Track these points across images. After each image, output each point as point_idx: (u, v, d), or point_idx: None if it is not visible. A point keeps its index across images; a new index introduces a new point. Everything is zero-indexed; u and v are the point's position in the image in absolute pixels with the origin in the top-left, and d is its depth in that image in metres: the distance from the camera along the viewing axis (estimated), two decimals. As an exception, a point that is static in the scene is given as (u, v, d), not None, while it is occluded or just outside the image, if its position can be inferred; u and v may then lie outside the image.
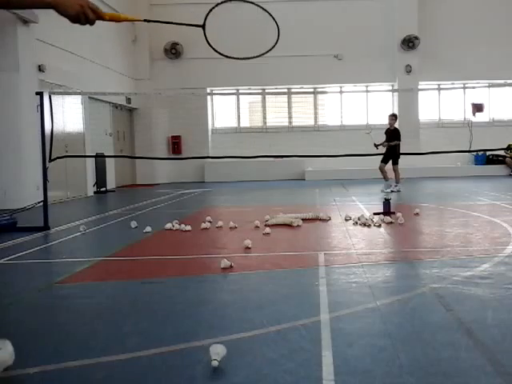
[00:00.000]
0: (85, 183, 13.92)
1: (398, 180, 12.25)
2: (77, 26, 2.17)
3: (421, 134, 18.42)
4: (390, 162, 12.32)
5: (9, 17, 10.47)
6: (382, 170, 12.34)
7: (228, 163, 17.90)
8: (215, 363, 2.45)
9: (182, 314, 3.37)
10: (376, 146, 12.03)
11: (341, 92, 19.02)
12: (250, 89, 19.01)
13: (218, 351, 2.48)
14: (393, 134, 12.28)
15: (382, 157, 12.15)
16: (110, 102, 16.40)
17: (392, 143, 12.19)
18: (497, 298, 3.47)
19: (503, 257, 4.72)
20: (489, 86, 18.49)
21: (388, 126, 12.54)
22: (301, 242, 6.01)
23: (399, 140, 12.20)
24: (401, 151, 12.20)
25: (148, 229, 6.91)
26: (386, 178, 12.32)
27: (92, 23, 2.13)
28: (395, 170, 12.38)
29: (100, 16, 2.18)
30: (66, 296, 3.88)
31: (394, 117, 12.56)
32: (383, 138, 12.44)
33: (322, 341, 2.76)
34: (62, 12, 2.06)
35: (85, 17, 2.09)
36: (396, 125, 12.58)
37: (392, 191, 11.85)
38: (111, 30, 16.54)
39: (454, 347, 2.65)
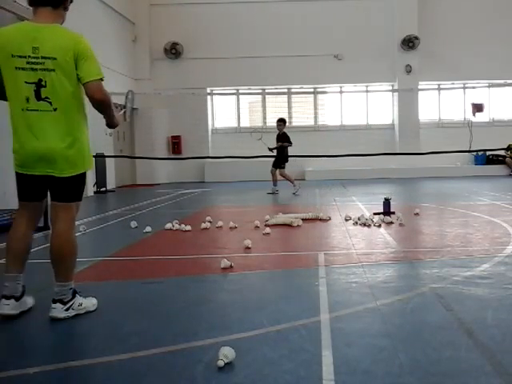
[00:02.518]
0: (85, 183, 13.89)
1: (292, 182, 12.27)
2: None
3: (421, 134, 18.43)
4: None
5: (9, 16, 10.46)
6: (272, 173, 12.45)
7: (228, 163, 17.88)
8: (221, 363, 2.46)
9: (182, 314, 3.37)
10: (270, 149, 12.12)
11: (341, 92, 19.03)
12: (249, 89, 19.01)
13: (225, 353, 2.49)
14: (280, 139, 12.25)
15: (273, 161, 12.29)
16: (109, 102, 16.37)
17: (279, 146, 12.15)
18: (497, 298, 3.47)
19: (503, 257, 4.72)
20: (489, 86, 18.48)
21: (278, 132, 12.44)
22: (301, 242, 6.01)
23: (289, 143, 12.17)
24: (289, 154, 12.19)
25: (148, 229, 6.90)
26: (275, 181, 12.39)
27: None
28: (283, 175, 12.35)
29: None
30: (65, 296, 3.87)
31: (281, 122, 12.54)
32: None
33: (322, 341, 2.76)
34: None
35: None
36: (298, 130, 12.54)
37: (294, 193, 11.93)
38: (111, 29, 16.56)
39: (453, 347, 2.65)
